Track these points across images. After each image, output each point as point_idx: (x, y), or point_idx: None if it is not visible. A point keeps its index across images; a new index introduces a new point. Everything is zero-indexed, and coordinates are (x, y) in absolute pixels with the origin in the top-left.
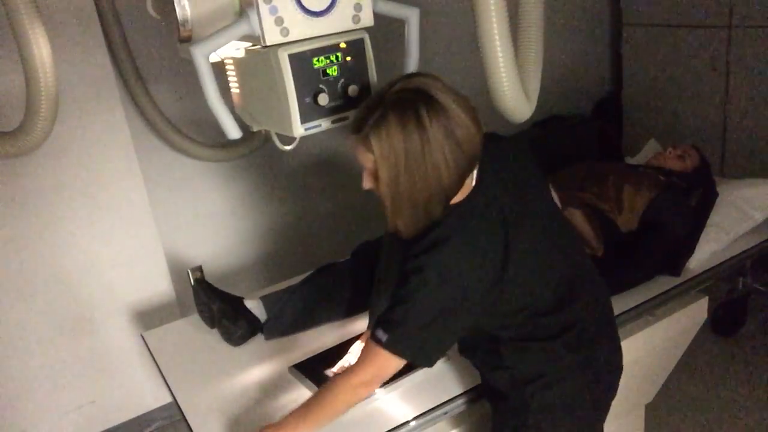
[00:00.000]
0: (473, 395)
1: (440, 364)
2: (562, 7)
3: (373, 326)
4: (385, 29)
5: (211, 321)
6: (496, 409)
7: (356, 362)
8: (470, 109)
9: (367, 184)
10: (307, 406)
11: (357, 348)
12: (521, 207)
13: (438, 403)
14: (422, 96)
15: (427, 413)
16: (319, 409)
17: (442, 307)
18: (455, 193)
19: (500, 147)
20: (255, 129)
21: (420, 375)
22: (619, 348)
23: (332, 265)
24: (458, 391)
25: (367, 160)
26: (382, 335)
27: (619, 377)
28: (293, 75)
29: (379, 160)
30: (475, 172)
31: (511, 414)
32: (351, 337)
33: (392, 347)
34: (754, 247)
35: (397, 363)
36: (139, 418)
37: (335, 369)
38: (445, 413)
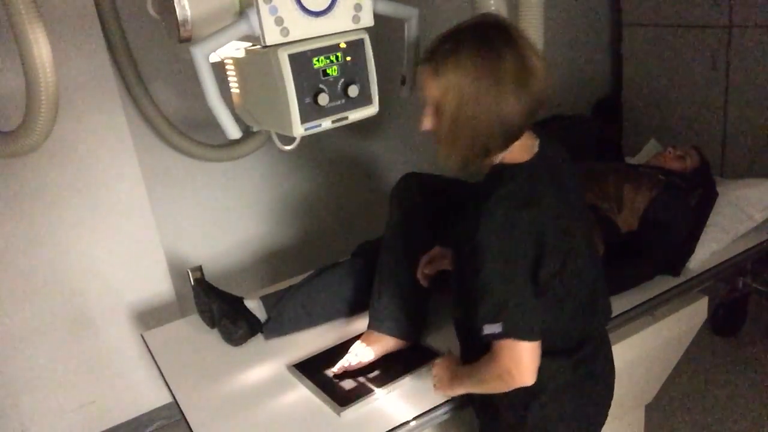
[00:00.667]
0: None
1: None
2: (562, 7)
3: (475, 320)
4: (385, 29)
5: (211, 321)
6: (485, 425)
7: (491, 360)
8: (541, 56)
9: (426, 123)
10: (471, 375)
11: (357, 348)
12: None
13: (438, 403)
14: (499, 30)
15: (427, 413)
16: (477, 384)
17: (525, 274)
18: (517, 136)
19: (557, 144)
20: (255, 129)
21: (420, 375)
22: (613, 365)
23: (332, 265)
24: None
25: (433, 89)
26: (492, 327)
27: (611, 397)
28: (293, 75)
29: (448, 88)
30: (537, 141)
31: (504, 429)
32: (351, 337)
33: (513, 334)
34: (754, 247)
35: (527, 346)
36: (139, 418)
37: (335, 369)
38: (446, 413)
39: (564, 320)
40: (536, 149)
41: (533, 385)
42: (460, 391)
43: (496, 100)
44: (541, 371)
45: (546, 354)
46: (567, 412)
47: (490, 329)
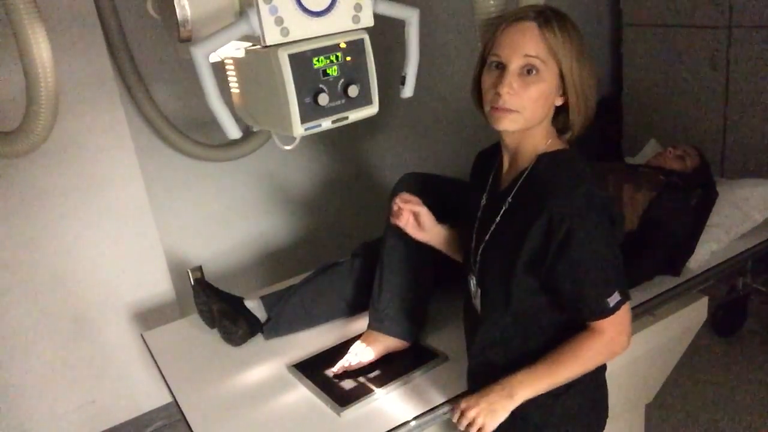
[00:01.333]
0: None
1: (440, 364)
2: (562, 7)
3: (586, 309)
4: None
5: (211, 321)
6: (508, 427)
7: (596, 337)
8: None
9: (512, 84)
10: (551, 365)
11: (357, 348)
12: None
13: (438, 403)
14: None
15: (427, 413)
16: (564, 372)
17: (614, 237)
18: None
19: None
20: (255, 129)
21: (420, 375)
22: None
23: (332, 265)
24: (458, 391)
25: (538, 48)
26: (614, 299)
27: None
28: (293, 75)
29: (563, 47)
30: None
31: (511, 426)
32: (351, 337)
33: (625, 296)
34: (754, 247)
35: (628, 307)
36: (139, 418)
37: (335, 369)
38: (445, 413)
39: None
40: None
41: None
42: (528, 395)
43: (591, 75)
44: None
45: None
46: (587, 404)
47: (613, 301)
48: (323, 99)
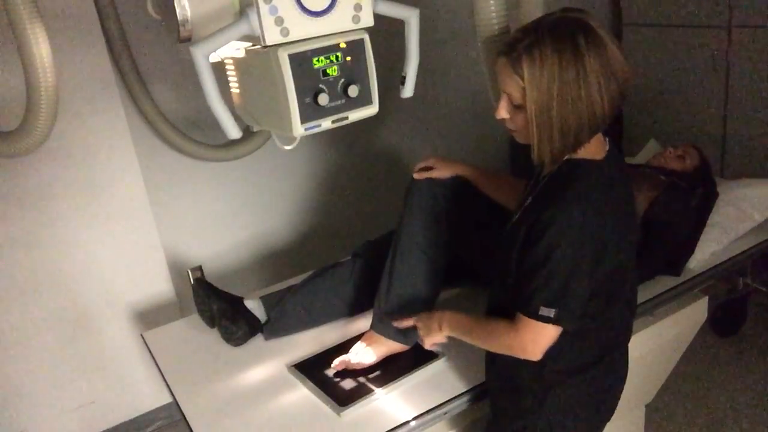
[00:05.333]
0: (473, 395)
1: (440, 364)
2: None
3: (520, 300)
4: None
5: (211, 321)
6: (498, 408)
7: (512, 330)
8: (621, 49)
9: (502, 112)
10: (475, 326)
11: (358, 348)
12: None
13: (438, 403)
14: (581, 25)
15: (427, 413)
16: (478, 338)
17: (590, 267)
18: (605, 125)
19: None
20: (255, 129)
21: (420, 375)
22: (628, 358)
23: (333, 266)
24: (458, 391)
25: (512, 84)
26: (548, 311)
27: (621, 391)
28: (293, 75)
29: (530, 84)
30: (607, 139)
31: (517, 414)
32: (351, 337)
33: (561, 321)
34: (754, 247)
35: (556, 332)
36: (139, 418)
37: (335, 363)
38: (445, 413)
39: (611, 314)
40: (607, 147)
41: (564, 363)
42: (454, 334)
43: (580, 94)
44: (576, 357)
45: (586, 341)
46: (584, 400)
47: (545, 311)
48: (323, 99)
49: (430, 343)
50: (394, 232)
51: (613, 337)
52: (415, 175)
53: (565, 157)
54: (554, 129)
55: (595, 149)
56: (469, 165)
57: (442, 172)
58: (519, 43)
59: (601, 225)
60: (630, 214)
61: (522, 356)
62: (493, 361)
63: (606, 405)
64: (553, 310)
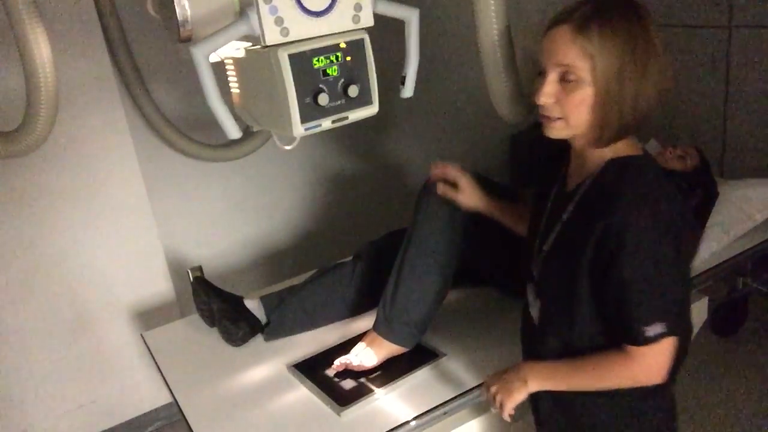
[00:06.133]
0: (473, 395)
1: (440, 364)
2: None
3: (625, 328)
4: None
5: (211, 321)
6: (554, 426)
7: (628, 360)
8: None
9: (549, 92)
10: (574, 371)
11: (359, 349)
12: None
13: (438, 403)
14: (637, 6)
15: (427, 413)
16: (584, 381)
17: (677, 266)
18: (649, 120)
19: None
20: (255, 129)
21: (420, 375)
22: None
23: (333, 267)
24: (458, 391)
25: (575, 54)
26: (659, 327)
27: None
28: (293, 75)
29: (601, 53)
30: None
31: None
32: (351, 337)
33: (674, 330)
34: (754, 247)
35: (674, 344)
36: (139, 418)
37: (335, 364)
38: (445, 413)
39: (688, 314)
40: (640, 143)
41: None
42: (546, 385)
43: (645, 76)
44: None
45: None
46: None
47: (656, 329)
48: (323, 99)
49: (512, 406)
50: (396, 233)
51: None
52: (439, 191)
53: (609, 158)
54: (625, 105)
55: (633, 146)
56: (492, 198)
57: (467, 201)
58: (582, 9)
59: (674, 218)
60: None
61: (649, 383)
62: (570, 404)
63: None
64: (663, 323)
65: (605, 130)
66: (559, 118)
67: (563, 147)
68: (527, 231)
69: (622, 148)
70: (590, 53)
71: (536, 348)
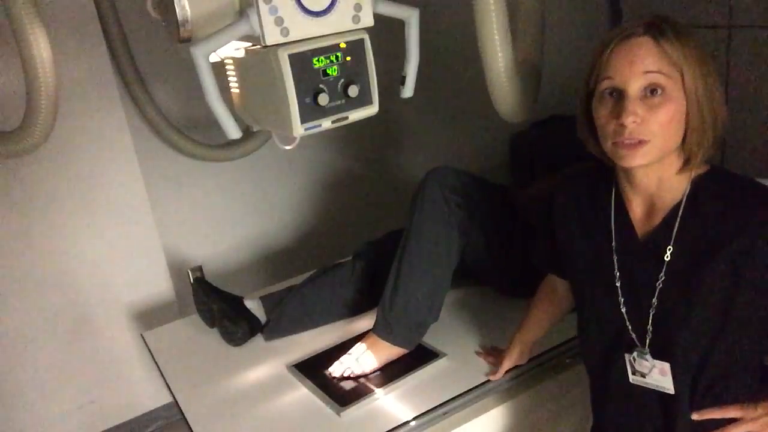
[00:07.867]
0: (473, 395)
1: (440, 364)
2: (562, 7)
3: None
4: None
5: (211, 321)
6: None
7: None
8: None
9: (633, 111)
10: None
11: (359, 351)
12: None
13: (438, 403)
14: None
15: (427, 413)
16: None
17: None
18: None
19: None
20: (255, 129)
21: (420, 375)
22: None
23: (333, 267)
24: (458, 391)
25: (661, 66)
26: None
27: None
28: (293, 75)
29: (687, 65)
30: None
31: None
32: (351, 337)
33: None
34: None
35: None
36: (139, 418)
37: (336, 374)
38: (445, 413)
39: None
40: None
41: None
42: None
43: (718, 87)
44: None
45: None
46: None
47: None
48: (323, 99)
49: None
50: (396, 233)
51: None
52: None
53: (692, 179)
54: (717, 121)
55: (700, 165)
56: (535, 336)
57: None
58: (652, 23)
59: None
60: None
61: None
62: None
63: None
64: None
65: (699, 150)
66: (647, 141)
67: (572, 155)
68: (586, 303)
69: (694, 168)
70: (678, 63)
71: (682, 421)
